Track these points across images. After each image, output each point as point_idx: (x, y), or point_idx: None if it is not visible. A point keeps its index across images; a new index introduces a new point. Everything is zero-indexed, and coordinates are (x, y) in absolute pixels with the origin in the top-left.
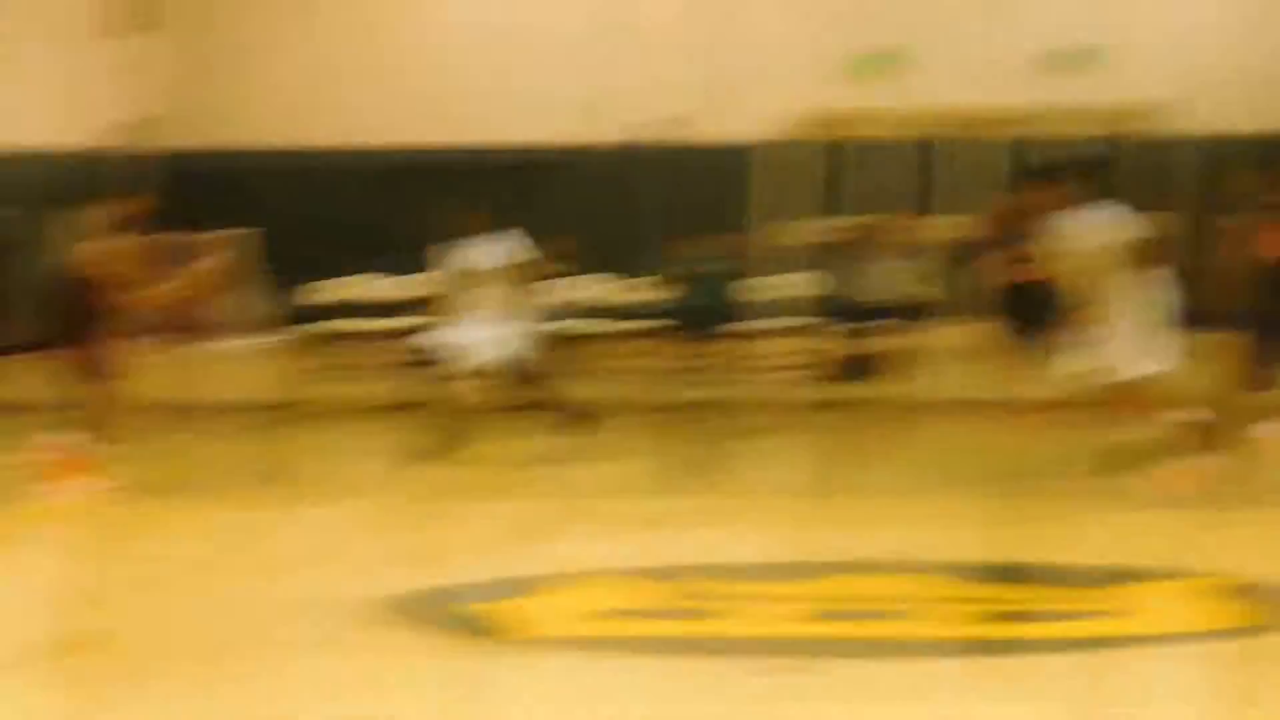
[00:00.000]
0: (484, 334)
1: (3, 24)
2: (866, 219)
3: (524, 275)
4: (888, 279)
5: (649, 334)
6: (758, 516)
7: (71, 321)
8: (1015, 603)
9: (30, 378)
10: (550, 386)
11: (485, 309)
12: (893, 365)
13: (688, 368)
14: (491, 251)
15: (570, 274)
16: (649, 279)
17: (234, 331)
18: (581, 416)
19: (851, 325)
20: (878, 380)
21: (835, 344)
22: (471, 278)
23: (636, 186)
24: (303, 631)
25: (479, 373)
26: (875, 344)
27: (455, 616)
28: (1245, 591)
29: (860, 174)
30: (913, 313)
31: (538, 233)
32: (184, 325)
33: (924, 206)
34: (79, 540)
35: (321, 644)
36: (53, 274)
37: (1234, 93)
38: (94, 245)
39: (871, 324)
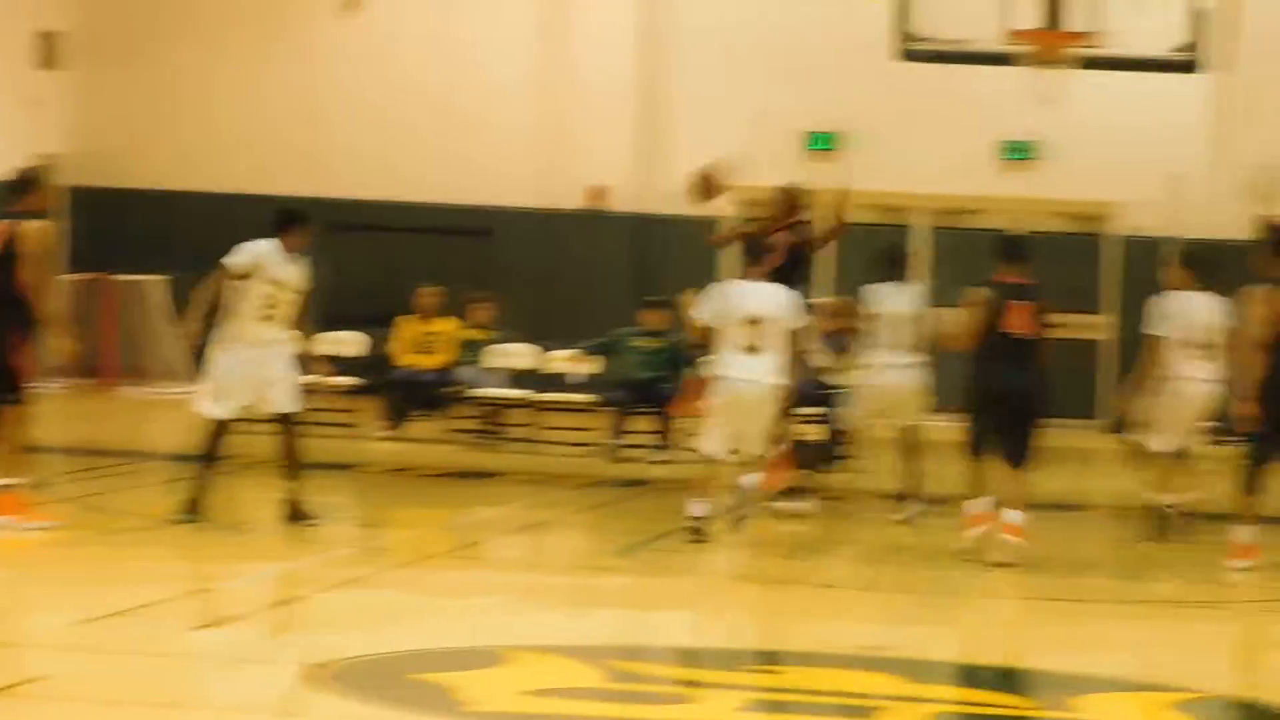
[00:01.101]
0: None
1: None
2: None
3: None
4: (828, 361)
5: (579, 405)
6: (696, 599)
7: None
8: (961, 704)
9: None
10: None
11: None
12: (837, 452)
13: (621, 442)
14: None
15: (495, 339)
16: (581, 348)
17: (148, 377)
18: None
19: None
20: (825, 466)
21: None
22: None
23: (565, 253)
24: (245, 694)
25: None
26: (818, 429)
27: (391, 686)
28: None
29: None
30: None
31: (458, 293)
32: (94, 368)
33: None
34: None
35: (260, 710)
36: None
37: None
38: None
39: (816, 408)
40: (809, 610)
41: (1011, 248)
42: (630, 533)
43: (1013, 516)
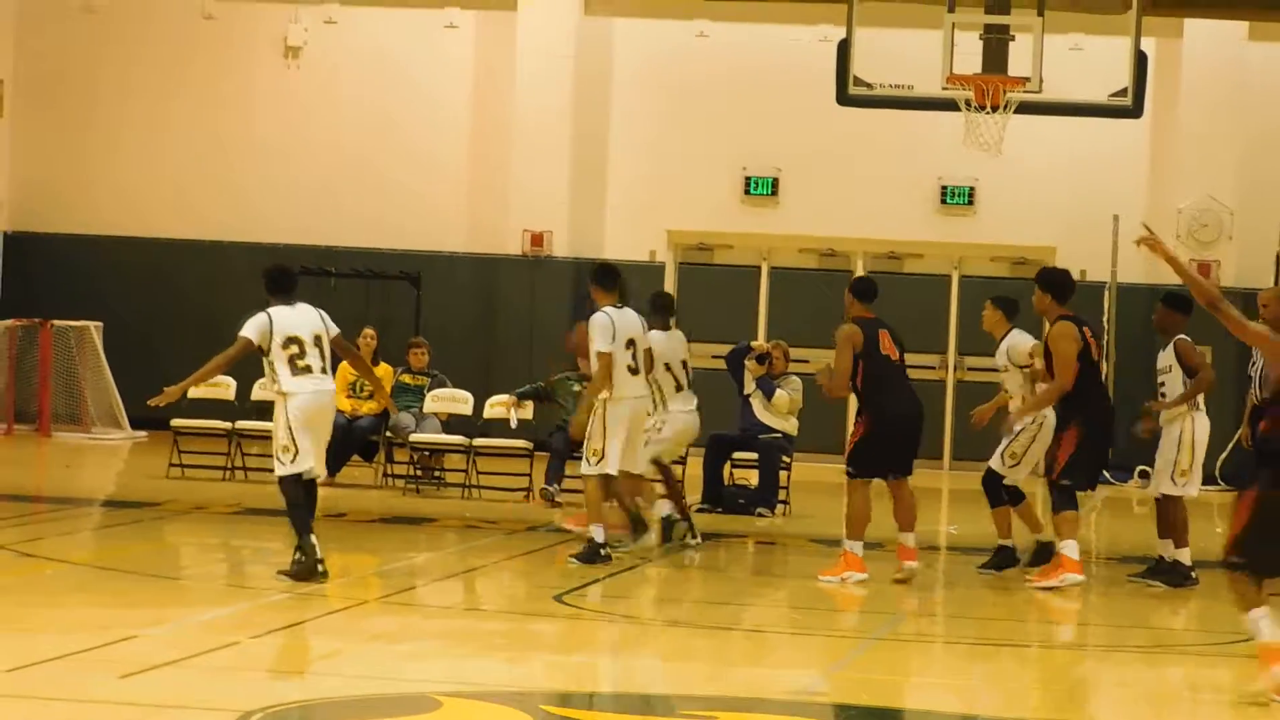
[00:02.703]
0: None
1: None
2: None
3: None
4: (764, 406)
5: (515, 450)
6: (630, 645)
7: None
8: None
9: None
10: None
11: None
12: (770, 495)
13: (557, 487)
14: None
15: (430, 385)
16: (515, 393)
17: (82, 422)
18: None
19: (727, 453)
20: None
21: (712, 471)
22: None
23: (504, 298)
24: None
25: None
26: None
27: None
28: None
29: (724, 297)
30: (784, 442)
31: (395, 339)
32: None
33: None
34: None
35: None
36: None
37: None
38: None
39: (750, 452)
40: (743, 655)
41: (868, 287)
42: (565, 578)
43: (909, 539)
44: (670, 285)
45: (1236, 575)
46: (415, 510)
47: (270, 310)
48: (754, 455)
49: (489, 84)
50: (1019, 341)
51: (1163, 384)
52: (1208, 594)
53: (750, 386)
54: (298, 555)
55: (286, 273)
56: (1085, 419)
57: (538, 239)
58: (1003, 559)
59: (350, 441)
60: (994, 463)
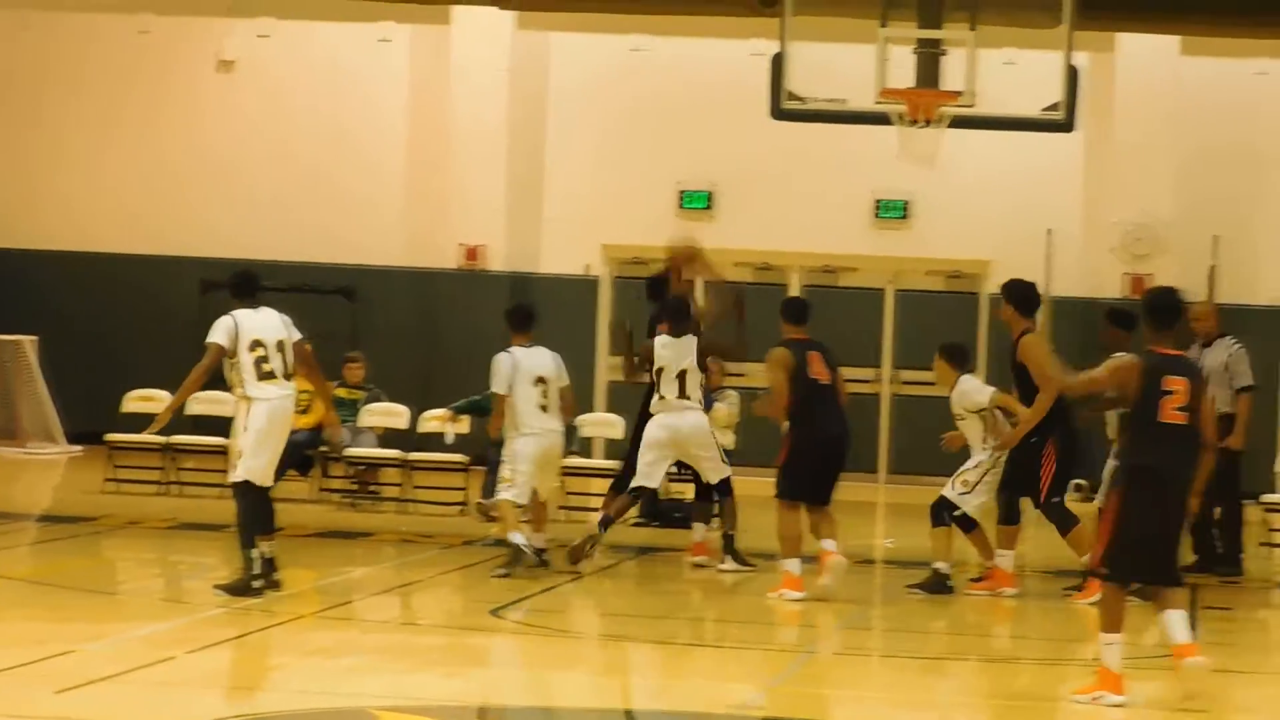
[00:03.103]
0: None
1: None
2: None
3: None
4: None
5: (451, 465)
6: (567, 659)
7: None
8: None
9: None
10: None
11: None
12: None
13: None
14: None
15: (367, 399)
16: (450, 407)
17: (18, 437)
18: None
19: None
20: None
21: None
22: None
23: (441, 312)
24: None
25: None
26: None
27: None
28: None
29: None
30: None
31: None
32: None
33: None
34: None
35: None
36: None
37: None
38: None
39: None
40: (681, 670)
41: (797, 309)
42: (503, 592)
43: (830, 544)
44: (605, 300)
45: (1106, 590)
46: (352, 525)
47: (235, 313)
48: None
49: (424, 98)
50: (970, 389)
51: None
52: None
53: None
54: (247, 569)
55: (251, 277)
56: (1061, 435)
57: (473, 253)
58: (936, 583)
59: (286, 455)
60: (947, 491)
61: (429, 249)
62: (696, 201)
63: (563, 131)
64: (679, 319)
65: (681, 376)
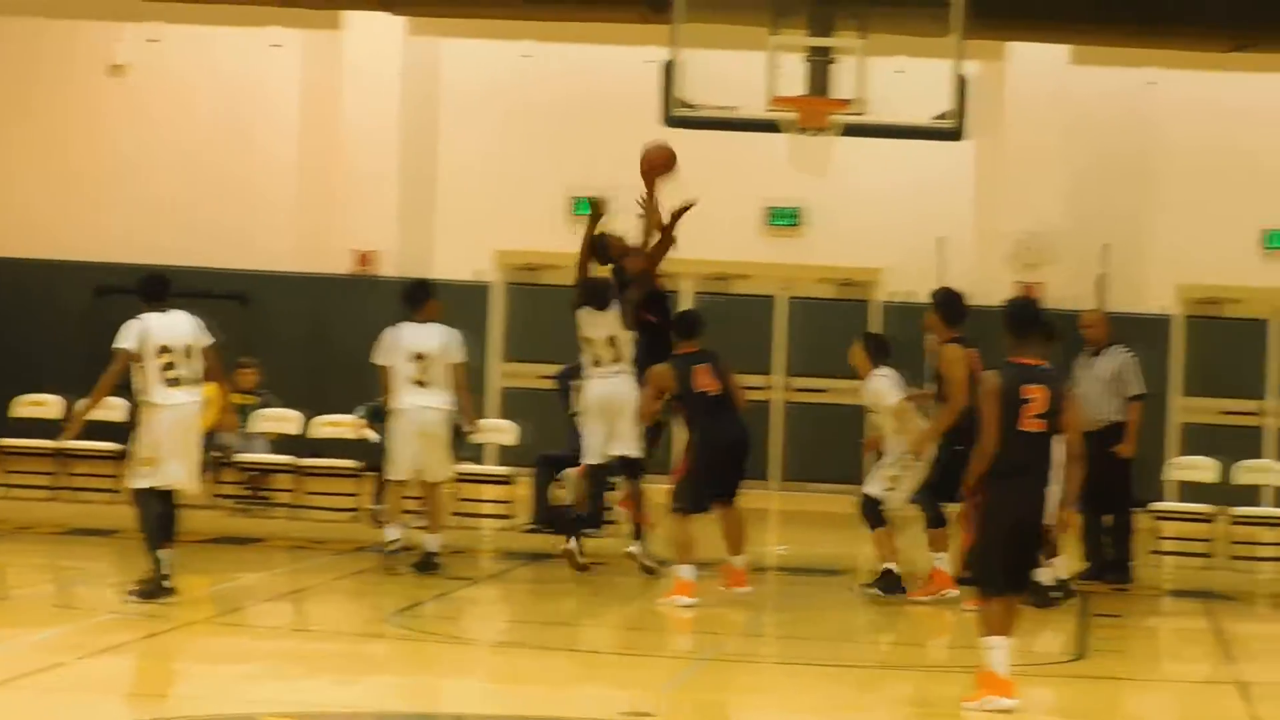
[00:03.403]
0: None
1: None
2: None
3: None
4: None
5: (344, 471)
6: (461, 666)
7: None
8: None
9: None
10: None
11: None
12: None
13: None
14: None
15: (258, 404)
16: (360, 412)
17: None
18: None
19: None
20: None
21: (542, 492)
22: None
23: (333, 318)
24: None
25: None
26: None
27: None
28: None
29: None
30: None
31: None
32: None
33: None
34: None
35: None
36: None
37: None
38: None
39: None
40: (574, 676)
41: (686, 322)
42: (395, 598)
43: (737, 562)
44: (498, 305)
45: (980, 596)
46: (244, 531)
47: (144, 317)
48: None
49: (316, 104)
50: (882, 388)
51: None
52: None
53: (579, 407)
54: (156, 570)
55: (160, 280)
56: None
57: (366, 258)
58: (888, 583)
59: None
60: (871, 489)
61: (321, 254)
62: (588, 208)
63: (455, 137)
64: (599, 299)
65: (611, 341)
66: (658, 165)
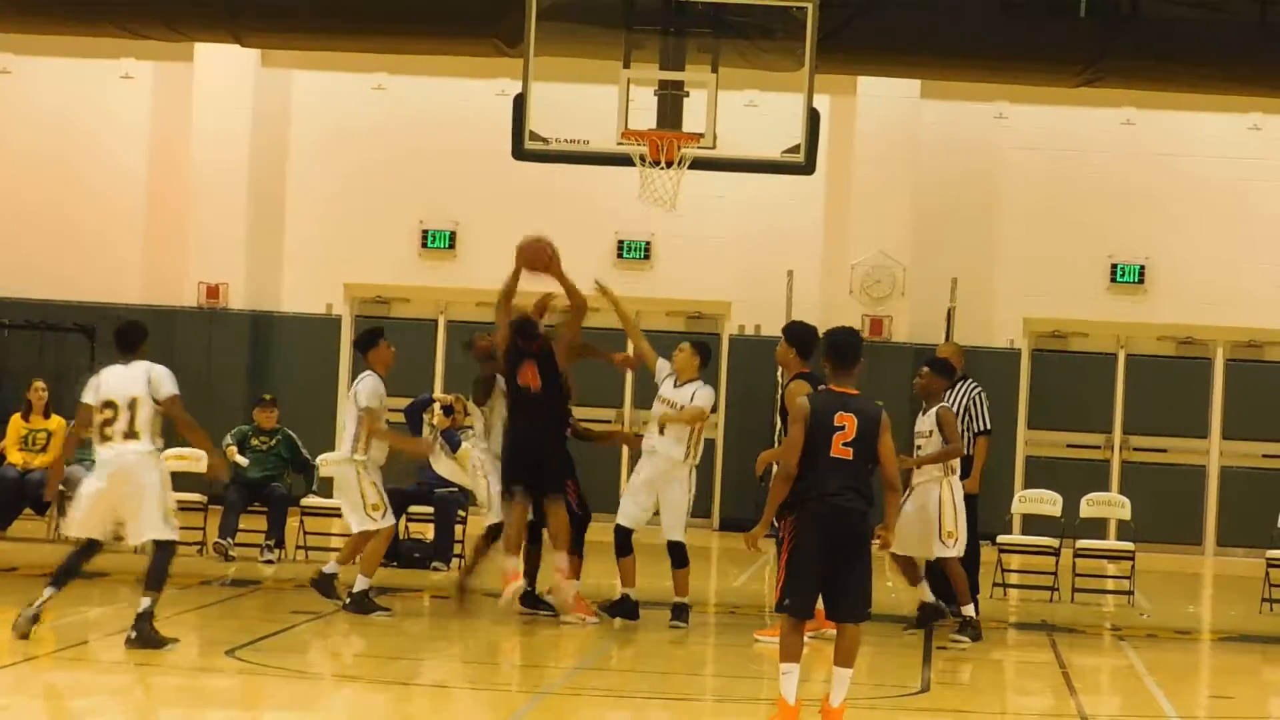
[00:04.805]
0: None
1: None
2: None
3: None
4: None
5: (189, 504)
6: (303, 701)
7: None
8: None
9: None
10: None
11: None
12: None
13: (231, 541)
14: None
15: None
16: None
17: None
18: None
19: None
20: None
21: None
22: None
23: (180, 351)
24: None
25: None
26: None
27: None
28: None
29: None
30: (461, 496)
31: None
32: None
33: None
34: None
35: None
36: None
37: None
38: None
39: (427, 506)
40: (418, 711)
41: (524, 327)
42: (238, 633)
43: (561, 560)
44: (347, 339)
45: (784, 621)
46: (87, 565)
47: (104, 370)
48: (430, 509)
49: (166, 135)
50: (703, 397)
51: (920, 447)
52: (880, 646)
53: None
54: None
55: (131, 330)
56: None
57: (214, 291)
58: (625, 609)
59: (23, 494)
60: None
61: (169, 287)
62: (439, 241)
63: (306, 169)
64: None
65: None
66: (536, 263)
